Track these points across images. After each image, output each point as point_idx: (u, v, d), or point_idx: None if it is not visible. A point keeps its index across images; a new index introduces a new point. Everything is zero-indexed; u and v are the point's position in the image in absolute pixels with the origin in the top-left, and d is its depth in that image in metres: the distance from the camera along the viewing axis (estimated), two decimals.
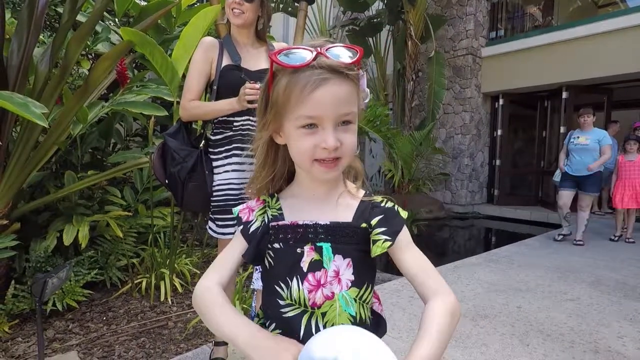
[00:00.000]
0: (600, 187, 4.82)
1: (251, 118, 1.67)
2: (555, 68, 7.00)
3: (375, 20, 8.19)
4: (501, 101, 8.14)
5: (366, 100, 0.71)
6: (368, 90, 0.69)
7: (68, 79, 2.82)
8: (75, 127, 2.62)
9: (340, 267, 0.70)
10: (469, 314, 2.62)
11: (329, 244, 0.71)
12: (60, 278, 1.66)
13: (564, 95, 7.17)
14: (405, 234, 0.73)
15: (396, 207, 0.76)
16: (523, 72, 7.44)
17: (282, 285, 0.71)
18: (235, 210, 0.79)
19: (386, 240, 0.71)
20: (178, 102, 2.55)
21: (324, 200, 0.75)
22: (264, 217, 0.76)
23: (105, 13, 3.24)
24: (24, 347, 2.04)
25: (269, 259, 0.74)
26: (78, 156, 3.01)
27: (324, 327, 0.69)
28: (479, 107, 8.19)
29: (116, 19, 3.31)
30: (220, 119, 1.69)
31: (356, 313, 0.70)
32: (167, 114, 2.62)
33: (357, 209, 0.74)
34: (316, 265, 0.70)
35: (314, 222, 0.71)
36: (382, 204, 0.76)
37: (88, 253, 2.66)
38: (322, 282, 0.69)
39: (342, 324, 0.69)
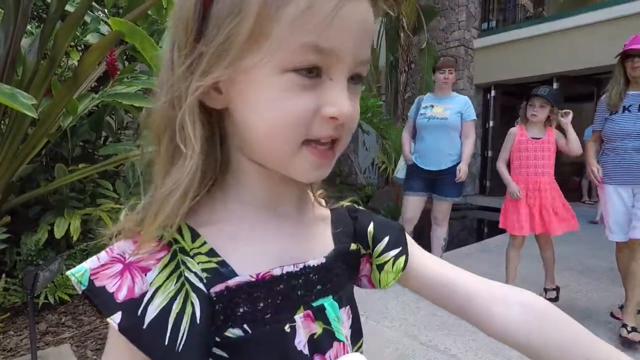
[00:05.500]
0: (462, 187, 3.00)
1: None
2: (546, 59, 7.04)
3: None
4: (493, 92, 8.19)
5: None
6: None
7: (57, 70, 2.77)
8: (65, 119, 2.59)
9: (346, 324, 0.43)
10: None
11: (331, 297, 0.42)
12: (51, 271, 1.65)
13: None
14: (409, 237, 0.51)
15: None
16: (514, 63, 7.48)
17: None
18: (78, 273, 0.34)
19: (398, 255, 0.47)
20: None
21: (292, 219, 0.43)
22: (179, 279, 0.35)
23: (94, 3, 3.18)
24: (16, 341, 2.04)
25: None
26: (69, 149, 2.97)
27: None
28: (471, 98, 8.20)
29: (105, 10, 3.26)
30: None
31: None
32: None
33: (331, 223, 0.47)
34: (323, 341, 0.40)
35: (303, 265, 0.40)
36: (355, 206, 0.52)
37: (80, 246, 2.65)
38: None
39: None
